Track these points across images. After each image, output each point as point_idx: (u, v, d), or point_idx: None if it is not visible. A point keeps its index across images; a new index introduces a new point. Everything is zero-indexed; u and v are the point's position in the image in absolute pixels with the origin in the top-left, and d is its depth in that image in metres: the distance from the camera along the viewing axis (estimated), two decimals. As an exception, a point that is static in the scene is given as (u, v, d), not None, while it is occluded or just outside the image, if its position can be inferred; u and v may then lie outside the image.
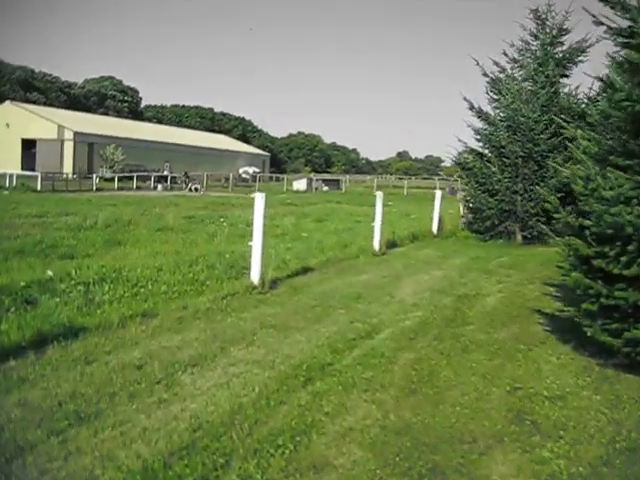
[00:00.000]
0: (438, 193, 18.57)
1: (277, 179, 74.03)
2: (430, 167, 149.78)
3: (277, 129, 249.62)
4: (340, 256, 12.53)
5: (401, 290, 10.01)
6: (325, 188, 60.20)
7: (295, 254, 12.40)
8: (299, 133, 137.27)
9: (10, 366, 5.25)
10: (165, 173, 58.03)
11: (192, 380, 5.32)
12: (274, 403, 4.96)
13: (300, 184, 58.88)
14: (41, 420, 4.31)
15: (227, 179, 58.53)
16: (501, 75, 18.16)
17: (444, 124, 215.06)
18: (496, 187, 16.89)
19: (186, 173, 52.37)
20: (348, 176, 76.46)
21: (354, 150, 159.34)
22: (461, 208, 19.34)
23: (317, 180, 61.67)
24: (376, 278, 10.87)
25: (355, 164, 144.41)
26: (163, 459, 3.93)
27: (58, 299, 7.52)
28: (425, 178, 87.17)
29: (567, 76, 17.95)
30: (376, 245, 13.75)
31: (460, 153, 19.17)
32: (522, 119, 16.50)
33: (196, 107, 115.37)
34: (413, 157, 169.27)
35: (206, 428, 4.43)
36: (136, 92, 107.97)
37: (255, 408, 4.83)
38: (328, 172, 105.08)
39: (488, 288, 10.58)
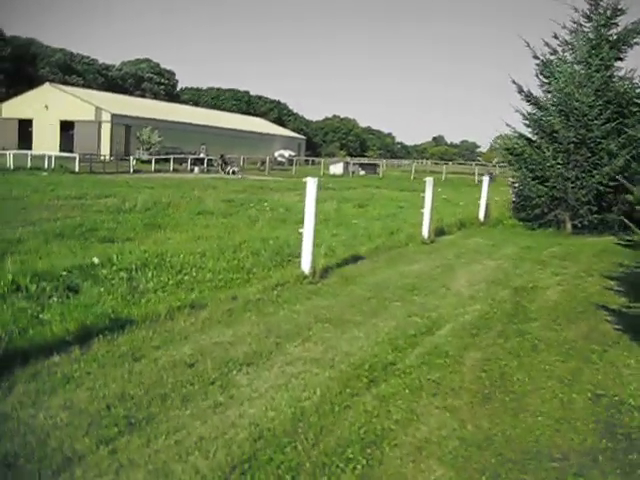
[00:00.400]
0: (485, 179, 17.92)
1: (313, 162, 73.57)
2: (465, 152, 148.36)
3: (312, 113, 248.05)
4: (388, 244, 12.06)
5: (455, 281, 9.51)
6: (362, 172, 59.57)
7: (342, 241, 11.99)
8: (334, 117, 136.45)
9: (54, 362, 4.88)
10: (201, 156, 57.83)
11: (248, 381, 4.91)
12: (338, 408, 4.53)
13: (337, 168, 58.38)
14: (89, 426, 3.93)
15: (263, 162, 58.23)
16: (552, 57, 17.39)
17: (481, 110, 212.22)
18: (547, 174, 16.21)
19: (222, 156, 52.11)
20: (385, 160, 75.57)
21: (389, 134, 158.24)
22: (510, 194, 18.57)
23: (354, 164, 61.03)
24: (428, 268, 10.38)
25: (390, 148, 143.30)
26: (224, 475, 3.53)
27: (102, 288, 7.17)
28: (460, 163, 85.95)
29: (622, 59, 17.08)
30: (425, 233, 13.23)
31: (509, 138, 18.53)
32: (576, 104, 15.75)
33: (232, 90, 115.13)
34: (449, 142, 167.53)
35: (267, 437, 4.02)
36: (172, 74, 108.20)
37: (319, 414, 4.41)
38: (364, 156, 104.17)
39: (545, 280, 10.03)
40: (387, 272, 9.75)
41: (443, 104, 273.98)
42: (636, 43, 16.88)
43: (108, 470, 3.47)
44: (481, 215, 17.38)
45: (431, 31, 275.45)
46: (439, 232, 14.24)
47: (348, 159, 69.65)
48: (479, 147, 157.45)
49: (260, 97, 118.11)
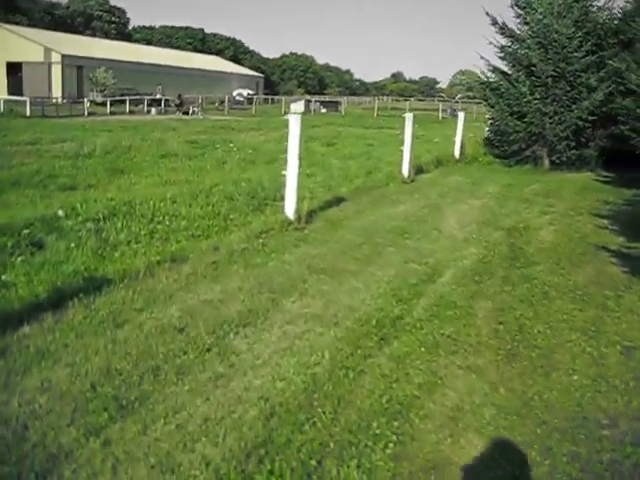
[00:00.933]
0: (461, 115, 17.29)
1: (272, 101, 71.95)
2: (425, 88, 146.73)
3: (269, 50, 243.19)
4: (369, 184, 11.48)
5: (445, 223, 9.03)
6: (323, 110, 58.38)
7: (319, 182, 11.36)
8: (291, 54, 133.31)
9: (24, 334, 4.18)
10: (158, 96, 55.86)
11: (248, 346, 4.34)
12: (353, 374, 4.03)
13: (298, 106, 56.99)
14: (74, 412, 3.32)
15: (222, 102, 56.66)
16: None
17: (440, 43, 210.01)
18: (525, 109, 15.67)
19: (180, 96, 50.41)
20: (345, 98, 74.26)
21: (348, 71, 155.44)
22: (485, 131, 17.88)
23: (315, 102, 59.73)
24: (414, 209, 9.86)
25: (349, 85, 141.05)
26: (239, 465, 3.00)
27: (70, 242, 6.44)
28: (421, 99, 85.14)
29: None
30: (405, 171, 12.67)
31: (483, 73, 17.92)
32: (554, 35, 15.14)
33: (186, 28, 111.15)
34: (408, 78, 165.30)
35: (281, 414, 3.49)
36: (123, 12, 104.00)
37: (332, 382, 3.90)
38: (324, 94, 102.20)
39: (535, 220, 9.63)
40: (373, 214, 9.21)
41: (402, 39, 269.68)
42: (614, -30, 16.27)
43: (103, 468, 2.89)
44: (456, 152, 16.84)
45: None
46: (417, 170, 13.68)
47: (308, 97, 68.04)
48: (439, 83, 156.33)
49: (215, 35, 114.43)
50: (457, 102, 65.78)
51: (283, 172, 7.88)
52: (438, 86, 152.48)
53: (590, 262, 7.19)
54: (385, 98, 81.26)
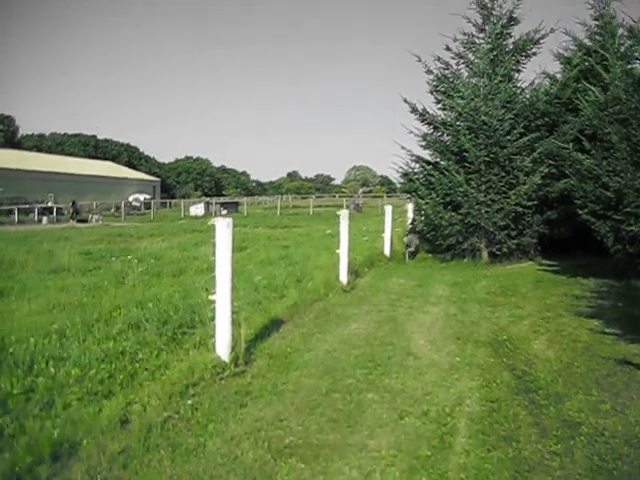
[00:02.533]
0: (388, 208, 15.77)
1: (171, 205, 69.93)
2: (321, 185, 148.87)
3: (164, 154, 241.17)
4: (305, 296, 9.46)
5: (415, 343, 7.15)
6: (224, 212, 56.78)
7: (244, 297, 9.24)
8: (187, 158, 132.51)
9: None
10: (50, 204, 52.86)
11: None
12: None
13: (198, 209, 55.24)
14: None
15: (118, 208, 54.19)
16: (446, 72, 15.73)
17: (334, 141, 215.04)
18: (459, 199, 14.31)
19: (74, 203, 47.66)
20: (245, 198, 73.13)
21: (244, 172, 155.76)
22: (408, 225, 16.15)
23: (215, 203, 58.10)
24: (371, 327, 7.93)
25: (246, 186, 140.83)
26: None
27: None
28: (319, 196, 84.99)
29: (520, 70, 15.68)
30: (344, 278, 10.84)
31: (407, 164, 16.66)
32: (484, 118, 14.03)
33: (78, 135, 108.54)
34: (304, 176, 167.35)
35: None
36: (12, 120, 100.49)
37: None
38: (222, 195, 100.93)
39: (515, 328, 7.98)
40: (326, 339, 7.18)
41: (296, 139, 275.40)
42: (534, 53, 15.55)
43: None
44: (387, 250, 15.25)
45: (286, 66, 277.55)
46: (351, 273, 11.84)
47: (207, 199, 66.30)
48: (334, 179, 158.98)
49: (108, 140, 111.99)
50: (359, 196, 65.70)
51: (211, 297, 5.78)
52: (333, 182, 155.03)
53: (629, 385, 5.45)
54: (284, 197, 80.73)
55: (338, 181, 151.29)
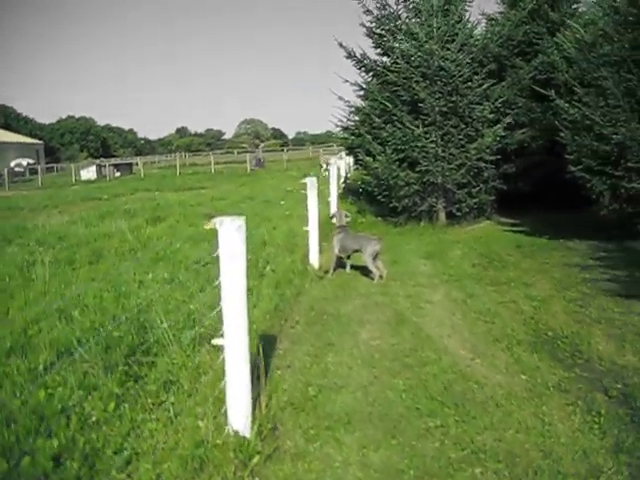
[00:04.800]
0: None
1: (58, 169, 65.23)
2: (212, 141, 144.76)
3: (44, 114, 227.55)
4: (285, 293, 7.48)
5: (456, 354, 5.47)
6: (118, 174, 53.24)
7: (202, 298, 7.14)
8: (69, 117, 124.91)
9: None
10: None
11: None
12: None
13: (89, 172, 51.44)
14: None
15: (0, 175, 49.60)
16: (385, 12, 13.88)
17: (223, 93, 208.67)
18: (416, 155, 12.60)
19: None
20: (139, 158, 69.08)
21: (131, 130, 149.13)
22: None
23: (109, 165, 54.25)
24: (385, 333, 6.12)
25: (134, 145, 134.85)
26: None
27: None
28: (226, 152, 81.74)
29: (466, 10, 13.95)
30: (314, 260, 8.96)
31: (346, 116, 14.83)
32: (441, 63, 12.28)
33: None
34: (193, 132, 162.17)
35: None
36: None
37: None
38: (111, 156, 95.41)
39: (549, 319, 6.51)
40: (342, 364, 5.27)
41: (182, 92, 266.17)
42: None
43: None
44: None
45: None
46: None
47: (98, 161, 61.84)
48: (224, 134, 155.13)
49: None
50: (260, 151, 63.44)
51: (216, 340, 3.71)
52: (224, 137, 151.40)
53: None
54: (184, 154, 77.15)
55: (229, 135, 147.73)
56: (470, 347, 5.62)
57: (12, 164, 61.84)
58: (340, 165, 17.64)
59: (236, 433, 3.60)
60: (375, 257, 8.28)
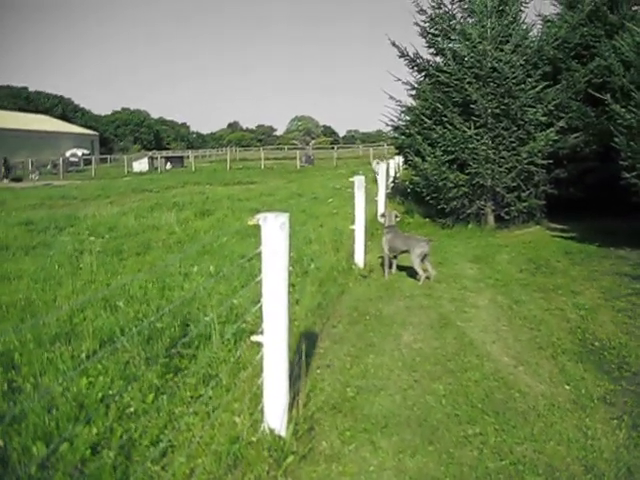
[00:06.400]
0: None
1: (111, 160, 66.35)
2: (262, 137, 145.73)
3: (100, 106, 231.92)
4: (329, 291, 7.47)
5: (499, 361, 5.37)
6: (169, 166, 53.91)
7: (246, 293, 7.17)
8: (124, 109, 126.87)
9: None
10: (-23, 163, 49.03)
11: None
12: None
13: (141, 164, 52.20)
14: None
15: (56, 164, 50.69)
16: (440, 11, 13.72)
17: (275, 90, 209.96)
18: (465, 156, 12.44)
19: (5, 160, 44.16)
20: (190, 151, 69.86)
21: (184, 124, 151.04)
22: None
23: (161, 158, 54.98)
24: (428, 336, 6.05)
25: (186, 138, 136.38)
26: None
27: None
28: (277, 148, 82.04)
29: (522, 11, 13.65)
30: (360, 259, 8.92)
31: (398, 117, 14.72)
32: (494, 63, 12.09)
33: (7, 87, 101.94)
34: (244, 127, 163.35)
35: None
36: None
37: None
38: (164, 149, 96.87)
39: (596, 328, 6.30)
40: (383, 366, 5.24)
41: (237, 89, 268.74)
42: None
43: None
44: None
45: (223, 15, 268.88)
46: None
47: (151, 153, 62.76)
48: (275, 130, 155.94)
49: (40, 92, 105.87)
50: (310, 148, 63.54)
51: (255, 337, 3.70)
52: (275, 133, 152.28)
53: None
54: (234, 149, 77.70)
55: (280, 132, 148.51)
56: (514, 354, 5.51)
57: (67, 154, 63.20)
58: (390, 165, 17.55)
59: (272, 431, 3.59)
60: (423, 258, 8.20)
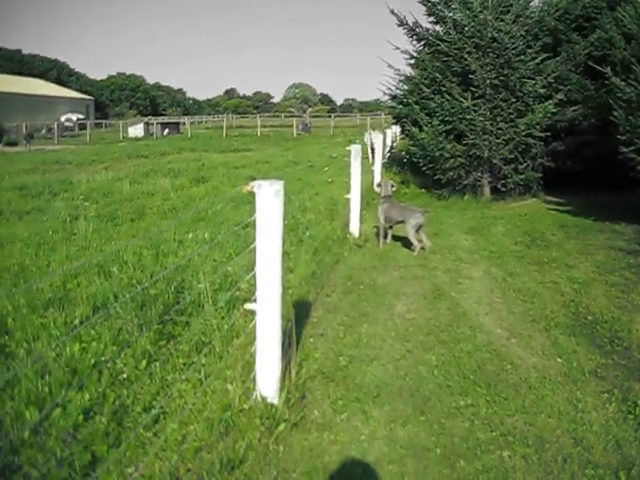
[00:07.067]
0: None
1: (107, 125, 65.82)
2: (260, 104, 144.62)
3: (96, 71, 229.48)
4: (324, 259, 7.47)
5: (492, 333, 5.37)
6: (166, 132, 53.54)
7: (240, 261, 7.18)
8: (119, 74, 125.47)
9: None
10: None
11: None
12: None
13: (137, 130, 51.86)
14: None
15: (50, 129, 50.32)
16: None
17: (272, 57, 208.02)
18: (463, 127, 12.37)
19: (-1, 125, 43.85)
20: (186, 118, 69.32)
21: (180, 90, 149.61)
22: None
23: (157, 124, 54.58)
24: (421, 306, 6.07)
25: (182, 104, 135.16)
26: None
27: None
28: (275, 115, 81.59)
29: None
30: (355, 228, 8.91)
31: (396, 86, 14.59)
32: (494, 34, 11.96)
33: (0, 49, 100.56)
34: (241, 94, 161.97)
35: None
36: None
37: None
38: (159, 114, 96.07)
39: (590, 302, 6.28)
40: (376, 335, 5.25)
41: (232, 54, 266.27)
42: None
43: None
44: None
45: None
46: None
47: (147, 119, 62.25)
48: (273, 97, 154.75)
49: (35, 56, 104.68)
50: (307, 116, 63.14)
51: (249, 305, 3.70)
52: (272, 101, 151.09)
53: None
54: (231, 116, 77.13)
55: (277, 99, 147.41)
56: (507, 326, 5.52)
57: (62, 118, 62.71)
58: (386, 134, 17.44)
59: (264, 399, 3.61)
60: (419, 229, 8.19)
